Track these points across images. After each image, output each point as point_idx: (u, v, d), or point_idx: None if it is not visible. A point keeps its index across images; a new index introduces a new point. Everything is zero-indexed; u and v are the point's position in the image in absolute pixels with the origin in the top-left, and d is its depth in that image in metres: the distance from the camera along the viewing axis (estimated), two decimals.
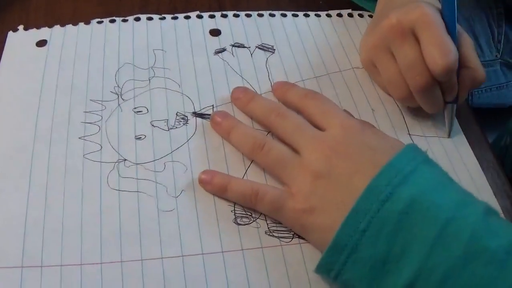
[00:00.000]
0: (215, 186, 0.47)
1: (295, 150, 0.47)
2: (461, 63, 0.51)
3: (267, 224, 0.46)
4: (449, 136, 0.55)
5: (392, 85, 0.54)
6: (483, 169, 0.52)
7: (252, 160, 0.50)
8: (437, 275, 0.37)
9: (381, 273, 0.39)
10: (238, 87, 0.55)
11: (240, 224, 0.46)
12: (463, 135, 0.54)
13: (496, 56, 0.90)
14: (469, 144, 0.54)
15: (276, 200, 0.45)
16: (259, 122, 0.52)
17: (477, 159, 0.52)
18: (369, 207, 0.40)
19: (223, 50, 0.60)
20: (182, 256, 0.44)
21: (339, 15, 0.66)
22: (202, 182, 0.48)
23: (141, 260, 0.43)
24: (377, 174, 0.42)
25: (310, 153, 0.45)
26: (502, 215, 0.47)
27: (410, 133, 0.54)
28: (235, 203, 0.47)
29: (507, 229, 0.40)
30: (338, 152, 0.44)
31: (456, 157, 0.52)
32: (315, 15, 0.66)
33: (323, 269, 0.42)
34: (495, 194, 0.50)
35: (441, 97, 0.53)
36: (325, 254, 0.41)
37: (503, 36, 0.90)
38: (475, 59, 0.52)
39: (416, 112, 0.55)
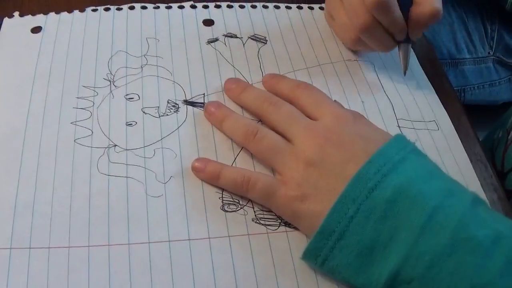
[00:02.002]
0: (208, 174, 0.48)
1: (287, 139, 0.48)
2: (412, 1, 0.53)
3: (254, 211, 0.47)
4: (404, 74, 0.58)
5: (341, 29, 0.58)
6: (471, 162, 0.52)
7: (241, 149, 0.50)
8: (424, 262, 0.38)
9: (368, 260, 0.40)
10: (230, 78, 0.55)
11: (227, 211, 0.46)
12: (453, 128, 0.55)
13: (489, 53, 0.91)
14: (458, 137, 0.54)
15: (268, 187, 0.45)
16: (252, 112, 0.53)
17: (466, 152, 0.53)
18: (358, 194, 0.41)
19: (216, 40, 0.61)
20: (169, 241, 0.44)
21: None
22: (195, 169, 0.48)
23: (128, 244, 0.44)
24: (366, 162, 0.42)
25: (303, 142, 0.46)
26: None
27: (400, 125, 0.54)
28: (223, 190, 0.47)
29: (494, 219, 0.40)
30: (331, 141, 0.45)
31: (445, 150, 0.53)
32: (308, 7, 0.66)
33: (310, 254, 0.42)
34: (482, 187, 0.50)
35: (387, 36, 0.55)
36: (313, 239, 0.42)
37: (496, 33, 0.90)
38: None
39: (406, 104, 0.56)
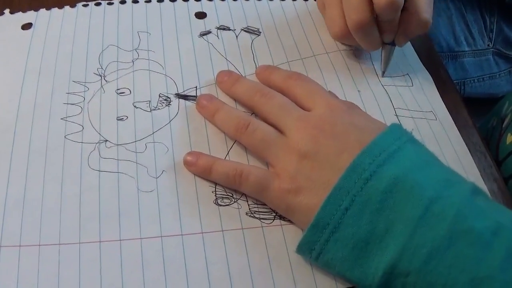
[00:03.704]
0: (199, 168, 0.47)
1: (280, 131, 0.47)
2: (404, 6, 0.52)
3: (248, 205, 0.46)
4: (383, 76, 0.57)
5: (331, 22, 0.56)
6: (469, 152, 0.51)
7: (234, 142, 0.49)
8: (421, 255, 0.37)
9: (364, 253, 0.39)
10: (223, 71, 0.55)
11: (220, 205, 0.45)
12: (451, 118, 0.54)
13: (488, 45, 0.89)
14: (456, 127, 0.53)
15: (261, 181, 0.45)
16: (244, 104, 0.52)
17: (464, 141, 0.52)
18: (352, 186, 0.40)
19: (208, 32, 0.60)
20: (161, 236, 0.43)
21: None
22: (187, 163, 0.47)
23: (120, 240, 0.43)
24: (360, 152, 0.41)
25: (296, 133, 0.45)
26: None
27: (397, 114, 0.53)
28: (216, 184, 0.47)
29: (494, 209, 0.39)
30: (325, 132, 0.44)
31: (443, 139, 0.52)
32: None
33: (304, 248, 0.41)
34: (482, 177, 0.49)
35: (378, 37, 0.55)
36: (307, 232, 0.41)
37: (495, 25, 0.89)
38: (418, 3, 0.52)
39: (403, 94, 0.55)
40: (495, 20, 0.90)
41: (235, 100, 0.53)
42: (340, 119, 0.45)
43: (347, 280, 0.41)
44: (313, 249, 0.41)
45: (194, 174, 0.47)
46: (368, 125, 0.45)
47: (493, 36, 0.90)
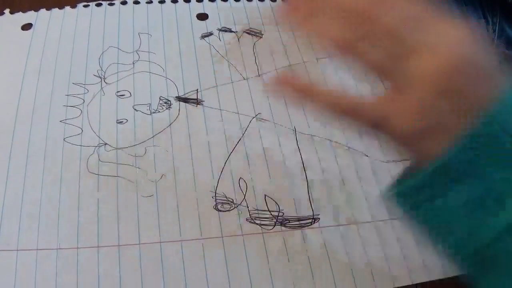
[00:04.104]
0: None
1: (403, 51, 0.32)
2: None
3: (249, 211, 0.45)
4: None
5: None
6: None
7: (236, 145, 0.49)
8: None
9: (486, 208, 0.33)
10: None
11: (220, 211, 0.45)
12: None
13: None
14: None
15: (384, 107, 0.32)
16: (349, 19, 0.33)
17: None
18: (492, 137, 0.33)
19: (210, 34, 0.59)
20: (160, 242, 0.43)
21: None
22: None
23: (118, 246, 0.43)
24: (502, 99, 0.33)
25: (436, 60, 0.31)
26: None
27: None
28: (216, 189, 0.46)
29: None
30: (474, 68, 0.34)
31: None
32: None
33: (411, 188, 0.33)
34: None
35: None
36: (426, 172, 0.31)
37: (497, 26, 0.89)
38: None
39: None
40: (497, 20, 0.89)
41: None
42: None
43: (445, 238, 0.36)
44: (421, 191, 0.32)
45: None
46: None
47: (495, 37, 0.90)
